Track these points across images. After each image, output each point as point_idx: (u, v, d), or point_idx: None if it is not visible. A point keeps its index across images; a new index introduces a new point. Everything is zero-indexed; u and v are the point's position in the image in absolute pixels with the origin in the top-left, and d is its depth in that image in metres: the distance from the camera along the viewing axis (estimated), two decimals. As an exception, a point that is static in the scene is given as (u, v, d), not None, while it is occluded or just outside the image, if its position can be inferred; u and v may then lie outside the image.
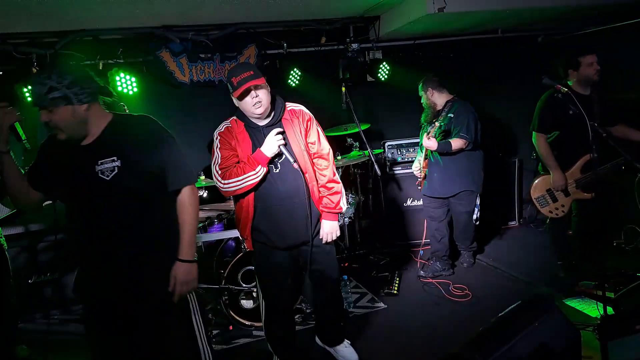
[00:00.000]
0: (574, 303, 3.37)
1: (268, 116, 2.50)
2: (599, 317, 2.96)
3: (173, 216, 2.01)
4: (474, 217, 4.06)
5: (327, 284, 2.76)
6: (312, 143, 2.62)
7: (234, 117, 2.58)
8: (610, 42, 4.33)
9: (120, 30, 4.05)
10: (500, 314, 2.03)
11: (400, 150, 4.92)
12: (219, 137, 2.53)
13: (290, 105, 2.61)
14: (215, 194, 4.33)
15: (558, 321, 1.98)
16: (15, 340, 3.17)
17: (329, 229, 2.64)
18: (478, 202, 4.04)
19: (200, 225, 3.77)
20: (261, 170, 2.41)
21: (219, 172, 2.48)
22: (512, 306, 2.05)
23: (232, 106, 2.52)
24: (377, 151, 4.73)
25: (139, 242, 1.92)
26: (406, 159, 4.91)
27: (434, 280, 3.99)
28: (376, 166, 3.78)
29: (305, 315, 3.43)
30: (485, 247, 4.68)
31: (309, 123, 2.60)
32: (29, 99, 3.75)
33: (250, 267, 3.38)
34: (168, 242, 1.99)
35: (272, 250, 2.60)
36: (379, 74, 4.88)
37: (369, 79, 5.09)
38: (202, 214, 3.82)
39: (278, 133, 2.43)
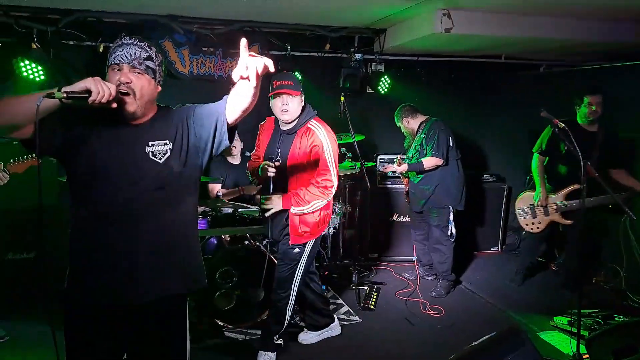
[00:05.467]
0: (548, 337, 3.37)
1: (290, 124, 2.79)
2: (571, 353, 2.96)
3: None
4: (449, 232, 4.05)
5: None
6: (311, 164, 2.77)
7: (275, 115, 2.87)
8: (611, 79, 4.35)
9: (125, 15, 4.00)
10: (473, 344, 2.01)
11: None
12: (259, 127, 3.04)
13: (313, 124, 2.78)
14: (203, 191, 4.27)
15: (530, 357, 1.97)
16: None
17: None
18: (452, 217, 4.04)
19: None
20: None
21: (251, 157, 3.03)
22: (486, 337, 2.04)
23: None
24: (370, 164, 4.70)
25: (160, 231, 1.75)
26: (397, 175, 4.90)
27: (410, 299, 3.98)
28: (367, 178, 3.76)
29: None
30: (466, 271, 4.67)
31: (314, 148, 2.74)
32: (25, 73, 3.70)
33: (228, 268, 3.34)
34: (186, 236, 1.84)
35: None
36: (379, 87, 4.86)
37: (369, 90, 5.07)
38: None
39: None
